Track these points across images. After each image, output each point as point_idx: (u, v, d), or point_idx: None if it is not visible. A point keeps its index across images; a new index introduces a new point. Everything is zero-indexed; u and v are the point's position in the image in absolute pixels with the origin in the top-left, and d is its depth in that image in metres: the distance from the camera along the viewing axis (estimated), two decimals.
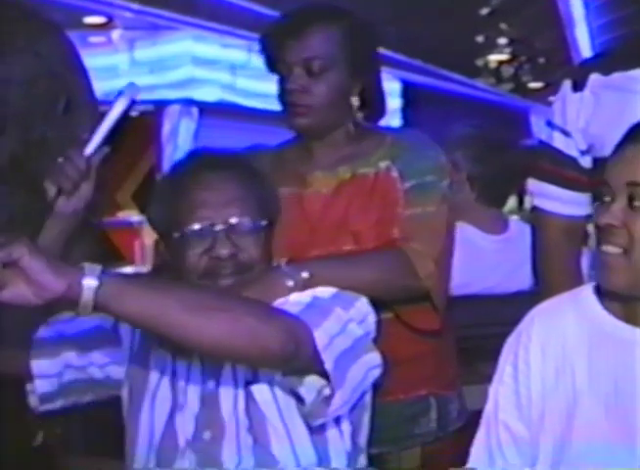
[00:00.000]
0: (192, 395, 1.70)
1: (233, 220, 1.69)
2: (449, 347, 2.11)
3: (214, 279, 1.69)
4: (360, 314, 1.67)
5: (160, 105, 7.76)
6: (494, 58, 11.31)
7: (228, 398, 1.68)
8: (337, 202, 1.98)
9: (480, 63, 11.39)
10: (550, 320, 1.58)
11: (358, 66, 1.99)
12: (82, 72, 2.27)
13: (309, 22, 1.97)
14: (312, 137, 2.03)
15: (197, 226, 1.69)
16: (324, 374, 1.54)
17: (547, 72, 10.34)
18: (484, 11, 9.03)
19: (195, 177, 1.72)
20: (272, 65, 2.02)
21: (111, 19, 7.69)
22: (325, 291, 1.68)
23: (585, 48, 8.52)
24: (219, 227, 1.69)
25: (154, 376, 1.75)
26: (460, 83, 10.75)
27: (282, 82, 1.99)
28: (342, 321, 1.61)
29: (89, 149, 1.73)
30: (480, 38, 10.23)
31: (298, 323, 1.53)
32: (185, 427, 1.69)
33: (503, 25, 9.72)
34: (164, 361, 1.74)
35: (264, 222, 1.72)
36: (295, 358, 1.50)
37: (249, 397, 1.67)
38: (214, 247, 1.68)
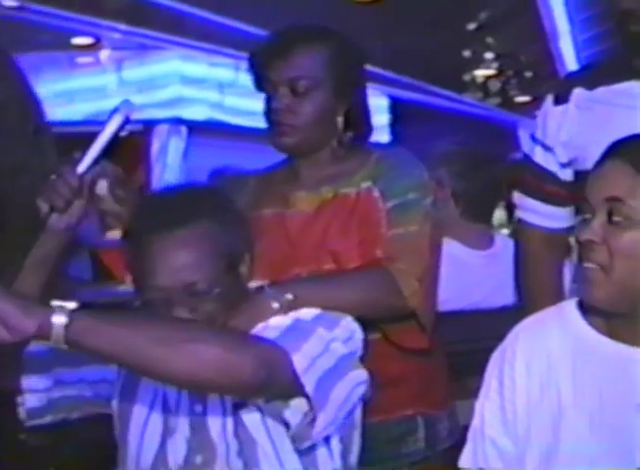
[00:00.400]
0: (182, 419, 1.70)
1: (187, 286, 1.64)
2: (439, 365, 2.10)
3: None
4: (346, 332, 1.67)
5: (149, 124, 7.78)
6: (481, 73, 11.36)
7: (216, 421, 1.68)
8: (317, 221, 1.99)
9: (467, 78, 11.44)
10: (534, 336, 1.59)
11: (344, 86, 2.00)
12: (37, 97, 2.28)
13: (296, 42, 1.99)
14: (297, 157, 2.04)
15: (151, 295, 1.66)
16: (306, 397, 1.55)
17: (534, 86, 10.38)
18: (471, 26, 9.07)
19: (149, 239, 1.66)
20: (259, 83, 2.03)
21: (98, 39, 7.72)
22: (308, 312, 1.69)
23: (571, 61, 8.55)
24: (174, 293, 1.64)
25: (144, 399, 1.74)
26: (448, 98, 10.78)
27: (268, 101, 2.01)
28: (324, 341, 1.61)
29: (82, 166, 1.73)
30: (466, 53, 10.28)
31: (273, 349, 1.53)
32: (177, 451, 1.69)
33: (490, 40, 9.77)
34: (155, 384, 1.73)
35: (217, 290, 1.65)
36: (268, 385, 1.50)
37: (237, 421, 1.66)
38: (172, 311, 1.64)
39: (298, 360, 1.55)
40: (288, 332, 1.60)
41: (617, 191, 1.47)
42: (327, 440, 1.68)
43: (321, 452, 1.69)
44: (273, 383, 1.51)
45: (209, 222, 1.67)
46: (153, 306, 1.66)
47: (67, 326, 1.37)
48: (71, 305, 1.40)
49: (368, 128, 2.09)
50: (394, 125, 9.56)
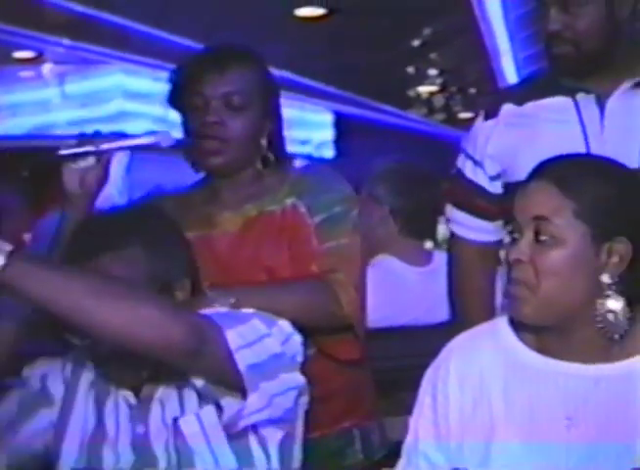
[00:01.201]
0: (123, 442, 1.70)
1: None
2: (367, 377, 2.14)
3: (108, 368, 1.69)
4: (282, 334, 1.67)
5: None
6: (425, 89, 11.44)
7: (160, 438, 1.67)
8: (245, 240, 2.00)
9: (411, 94, 11.51)
10: (467, 352, 1.61)
11: (270, 107, 2.03)
12: None
13: (232, 58, 2.01)
14: (221, 176, 2.04)
15: None
16: (238, 378, 1.55)
17: (477, 103, 10.48)
18: (415, 42, 9.14)
19: (79, 264, 1.64)
20: (181, 97, 2.02)
21: (40, 53, 7.66)
22: (246, 310, 1.69)
23: (512, 78, 8.66)
24: None
25: (75, 430, 1.74)
26: (392, 114, 10.85)
27: (192, 116, 1.99)
28: (259, 333, 1.61)
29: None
30: (410, 69, 10.35)
31: (207, 321, 1.54)
32: None
33: (433, 56, 9.84)
34: (86, 412, 1.74)
35: None
36: (199, 354, 1.50)
37: (177, 433, 1.66)
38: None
39: (233, 338, 1.55)
40: (224, 314, 1.62)
41: (543, 210, 1.50)
42: (265, 447, 1.68)
43: (259, 461, 1.68)
44: (205, 352, 1.50)
45: (139, 247, 1.67)
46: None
47: (3, 267, 1.36)
48: (8, 246, 1.38)
49: (285, 153, 2.09)
50: (338, 141, 9.61)
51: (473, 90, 11.16)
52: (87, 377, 1.77)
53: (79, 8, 6.60)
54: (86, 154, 1.80)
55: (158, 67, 7.46)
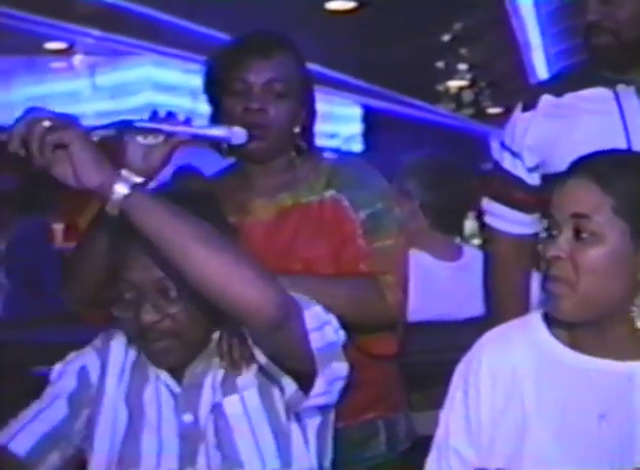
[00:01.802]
0: (169, 432, 1.69)
1: (157, 285, 1.64)
2: (394, 369, 2.14)
3: (146, 343, 1.66)
4: (335, 323, 1.68)
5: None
6: (455, 83, 11.41)
7: (209, 426, 1.66)
8: (280, 229, 1.98)
9: (440, 88, 11.49)
10: (499, 347, 1.60)
11: (305, 96, 2.02)
12: None
13: (275, 44, 2.00)
14: (257, 163, 2.03)
15: (123, 293, 1.65)
16: (309, 359, 1.57)
17: (506, 98, 10.44)
18: (445, 37, 9.11)
19: (125, 234, 1.62)
20: (220, 83, 1.99)
21: (72, 44, 7.69)
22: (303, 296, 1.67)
23: (543, 74, 8.63)
24: (143, 292, 1.64)
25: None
26: (421, 109, 10.83)
27: (232, 102, 1.97)
28: (321, 319, 1.62)
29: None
30: (440, 64, 10.32)
31: (291, 297, 1.55)
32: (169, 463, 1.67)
33: (463, 51, 9.81)
34: (117, 401, 1.73)
35: (186, 292, 1.62)
36: (283, 326, 1.51)
37: (218, 415, 1.66)
38: (139, 312, 1.64)
39: (309, 318, 1.57)
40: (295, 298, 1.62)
41: (582, 208, 1.49)
42: (305, 432, 1.69)
43: (298, 445, 1.68)
44: (287, 326, 1.52)
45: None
46: (123, 304, 1.65)
47: (126, 196, 1.44)
48: (136, 178, 1.47)
49: (314, 140, 2.09)
50: (366, 135, 9.60)
51: (502, 85, 11.12)
52: (120, 360, 1.77)
53: None
54: (159, 131, 1.76)
55: (187, 59, 7.49)
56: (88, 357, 1.79)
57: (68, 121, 1.49)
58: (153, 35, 7.45)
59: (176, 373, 1.70)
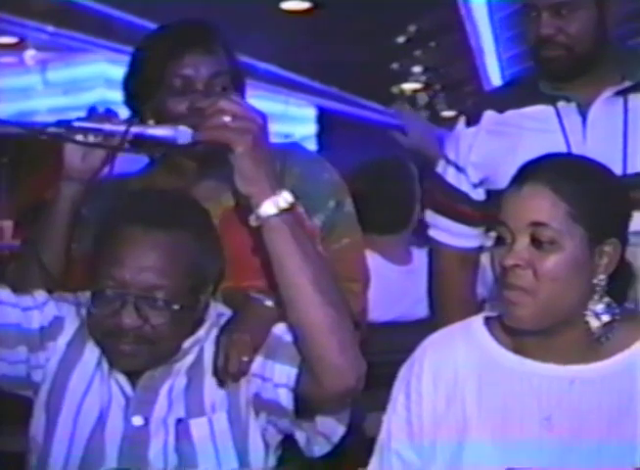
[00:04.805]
0: (115, 429, 1.65)
1: (146, 291, 1.58)
2: None
3: (115, 343, 1.61)
4: None
5: None
6: (409, 86, 11.44)
7: (158, 436, 1.63)
8: (225, 233, 1.77)
9: (395, 90, 11.51)
10: (442, 350, 1.61)
11: (242, 87, 1.91)
12: None
13: (212, 36, 1.88)
14: (202, 161, 1.83)
15: (106, 290, 1.60)
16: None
17: (460, 101, 10.50)
18: (400, 39, 9.13)
19: (124, 228, 1.60)
20: (155, 80, 1.83)
21: (23, 39, 7.61)
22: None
23: (496, 78, 8.68)
24: (129, 294, 1.58)
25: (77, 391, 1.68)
26: (375, 111, 10.84)
27: (174, 101, 1.82)
28: None
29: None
30: (394, 66, 10.34)
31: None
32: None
33: (418, 53, 9.84)
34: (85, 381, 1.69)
35: (177, 306, 1.59)
36: (352, 396, 1.58)
37: (182, 434, 1.63)
38: (120, 314, 1.58)
39: None
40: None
41: (540, 216, 1.49)
42: (267, 451, 1.68)
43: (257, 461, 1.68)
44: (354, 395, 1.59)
45: (191, 235, 1.63)
46: (102, 299, 1.60)
47: (270, 215, 1.51)
48: (287, 204, 1.53)
49: None
50: (321, 136, 9.59)
51: (456, 89, 11.18)
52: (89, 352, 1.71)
53: None
54: (98, 131, 1.68)
55: None
56: (69, 316, 1.73)
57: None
58: (107, 32, 7.39)
59: (132, 374, 1.66)
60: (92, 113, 1.71)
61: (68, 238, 1.80)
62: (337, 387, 1.55)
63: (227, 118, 1.54)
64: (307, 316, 1.52)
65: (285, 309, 1.57)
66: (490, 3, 7.46)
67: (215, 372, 1.65)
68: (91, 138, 1.69)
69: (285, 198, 1.54)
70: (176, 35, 1.87)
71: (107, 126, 1.68)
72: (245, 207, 1.68)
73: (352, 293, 1.85)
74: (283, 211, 1.53)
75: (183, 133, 1.65)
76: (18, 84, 7.82)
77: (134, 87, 1.88)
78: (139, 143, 1.70)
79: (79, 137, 1.69)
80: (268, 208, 1.52)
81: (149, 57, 1.86)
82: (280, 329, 1.63)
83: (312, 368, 1.55)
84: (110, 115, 1.71)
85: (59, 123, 1.68)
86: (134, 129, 1.66)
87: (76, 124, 1.68)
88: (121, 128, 1.66)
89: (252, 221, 1.53)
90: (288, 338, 1.61)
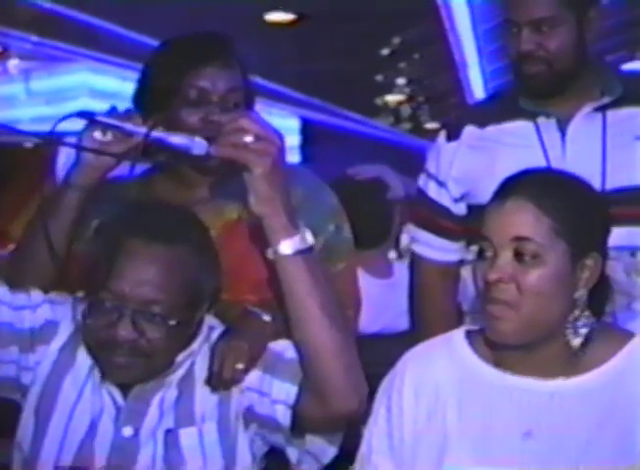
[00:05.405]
0: (104, 439, 1.64)
1: (143, 305, 1.57)
2: None
3: (109, 355, 1.60)
4: None
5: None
6: (393, 98, 11.49)
7: (147, 447, 1.63)
8: (226, 245, 1.75)
9: (379, 102, 11.55)
10: (423, 364, 1.60)
11: (252, 104, 1.90)
12: None
13: (230, 49, 1.87)
14: (209, 174, 1.83)
15: (103, 298, 1.58)
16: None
17: (444, 113, 10.54)
18: (384, 51, 9.17)
19: (125, 240, 1.59)
20: (170, 90, 1.81)
21: (6, 48, 7.60)
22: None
23: (479, 90, 8.74)
24: (127, 307, 1.57)
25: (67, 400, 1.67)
26: (359, 122, 10.88)
27: (188, 112, 1.80)
28: None
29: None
30: (379, 78, 10.38)
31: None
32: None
33: (402, 66, 9.88)
34: (76, 387, 1.68)
35: (173, 322, 1.58)
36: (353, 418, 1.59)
37: (171, 444, 1.62)
38: (116, 326, 1.57)
39: None
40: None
41: (523, 230, 1.49)
42: (254, 460, 1.69)
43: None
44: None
45: (191, 250, 1.62)
46: (98, 309, 1.59)
47: (285, 256, 1.51)
48: (305, 245, 1.52)
49: None
50: (304, 147, 9.61)
51: (440, 101, 11.22)
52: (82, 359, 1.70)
53: (47, 4, 6.55)
54: (119, 129, 1.66)
55: (124, 66, 7.44)
56: (64, 320, 1.72)
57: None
58: (90, 42, 7.39)
59: (124, 385, 1.65)
60: (113, 111, 1.70)
61: (74, 226, 1.77)
62: (340, 408, 1.56)
63: (249, 139, 1.50)
64: (315, 338, 1.53)
65: (291, 327, 1.57)
66: (474, 16, 7.49)
67: (209, 378, 1.64)
68: (109, 136, 1.69)
69: (304, 238, 1.53)
70: (196, 46, 1.85)
71: (128, 125, 1.66)
72: (250, 222, 1.69)
73: (346, 319, 1.81)
74: (298, 252, 1.52)
75: (199, 145, 1.63)
76: (1, 93, 7.82)
77: (147, 96, 1.85)
78: (148, 151, 1.69)
79: (97, 135, 1.69)
80: (284, 248, 1.51)
81: (166, 66, 1.83)
82: (281, 346, 1.63)
83: (316, 389, 1.56)
84: (129, 115, 1.70)
85: (81, 114, 1.67)
86: (153, 133, 1.64)
87: (99, 119, 1.67)
88: (140, 130, 1.65)
89: (270, 254, 1.53)
90: (289, 355, 1.61)
